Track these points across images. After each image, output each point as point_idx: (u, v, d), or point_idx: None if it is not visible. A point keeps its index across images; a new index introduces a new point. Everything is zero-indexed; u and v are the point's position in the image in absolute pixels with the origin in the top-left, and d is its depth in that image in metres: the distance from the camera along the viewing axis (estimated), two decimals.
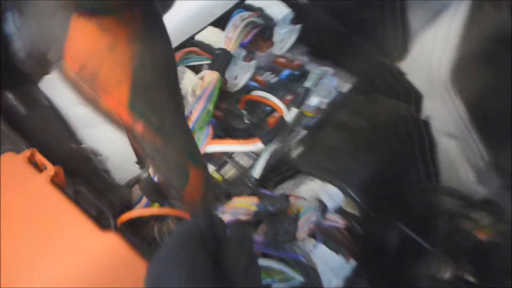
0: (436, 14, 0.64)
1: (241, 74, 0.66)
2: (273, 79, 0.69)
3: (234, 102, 0.61)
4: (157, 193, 0.50)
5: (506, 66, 0.59)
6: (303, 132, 0.63)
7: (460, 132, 0.66)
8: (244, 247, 0.35)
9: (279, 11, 0.66)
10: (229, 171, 0.60)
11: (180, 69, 0.62)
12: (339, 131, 0.58)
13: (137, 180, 0.55)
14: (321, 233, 0.56)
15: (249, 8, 0.66)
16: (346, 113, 0.61)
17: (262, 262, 0.48)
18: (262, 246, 0.48)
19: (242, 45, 0.62)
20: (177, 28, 0.63)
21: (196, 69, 0.63)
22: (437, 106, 0.67)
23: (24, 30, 0.32)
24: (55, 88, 0.52)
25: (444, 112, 0.67)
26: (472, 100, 0.64)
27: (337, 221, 0.56)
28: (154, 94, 0.20)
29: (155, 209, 0.49)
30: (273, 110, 0.63)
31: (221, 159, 0.60)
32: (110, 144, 0.56)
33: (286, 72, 0.69)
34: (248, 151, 0.58)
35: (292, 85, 0.68)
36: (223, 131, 0.63)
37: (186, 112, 0.55)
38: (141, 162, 0.53)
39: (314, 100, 0.64)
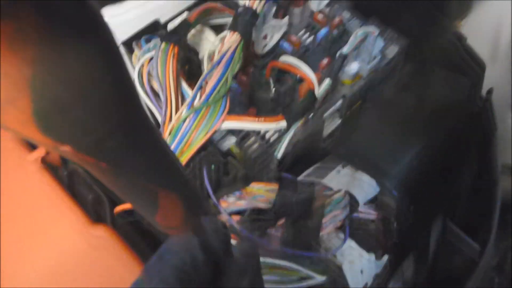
0: None
1: (271, 33, 0.57)
2: (308, 39, 0.60)
3: (259, 67, 0.53)
4: None
5: None
6: (339, 104, 0.55)
7: None
8: (248, 269, 0.29)
9: None
10: (252, 146, 0.53)
11: (199, 28, 0.54)
12: (379, 108, 0.49)
13: None
14: (351, 226, 0.49)
15: None
16: (390, 85, 0.52)
17: (275, 261, 0.43)
18: (279, 245, 0.42)
19: None
20: None
21: (220, 29, 0.55)
22: (502, 75, 0.57)
23: None
24: None
25: (509, 83, 0.57)
26: None
27: (370, 213, 0.49)
28: (80, 112, 0.14)
29: None
30: None
31: (243, 130, 0.53)
32: None
33: (323, 32, 0.59)
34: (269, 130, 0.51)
35: (330, 47, 0.59)
36: (248, 99, 0.56)
37: (200, 81, 0.47)
38: None
39: (353, 66, 0.55)
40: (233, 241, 0.35)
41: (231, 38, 0.49)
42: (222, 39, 0.50)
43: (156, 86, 0.48)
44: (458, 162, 0.48)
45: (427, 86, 0.49)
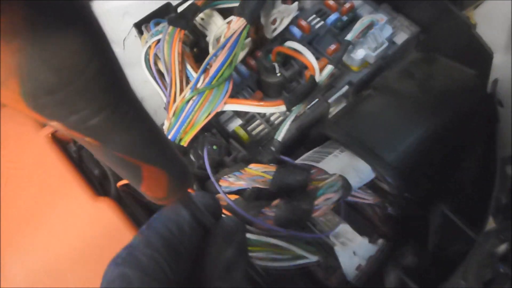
0: None
1: (280, 18, 0.58)
2: (318, 24, 0.60)
3: (266, 52, 0.54)
4: None
5: None
6: (345, 89, 0.56)
7: None
8: (233, 238, 0.31)
9: None
10: (257, 128, 0.55)
11: (208, 12, 0.55)
12: (381, 94, 0.50)
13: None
14: (346, 209, 0.51)
15: None
16: (394, 72, 0.52)
17: (270, 239, 0.44)
18: (272, 224, 0.44)
19: None
20: None
21: (229, 13, 0.56)
22: None
23: None
24: None
25: None
26: None
27: (367, 198, 0.50)
28: (65, 95, 0.16)
29: None
30: None
31: (249, 112, 0.55)
32: (146, 86, 0.53)
33: (333, 17, 0.60)
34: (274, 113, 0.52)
35: (339, 33, 0.59)
36: (255, 83, 0.57)
37: (204, 65, 0.49)
38: None
39: (360, 53, 0.55)
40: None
41: (237, 23, 0.50)
42: (229, 23, 0.51)
43: (162, 67, 0.50)
44: (460, 152, 0.48)
45: (431, 74, 0.49)
